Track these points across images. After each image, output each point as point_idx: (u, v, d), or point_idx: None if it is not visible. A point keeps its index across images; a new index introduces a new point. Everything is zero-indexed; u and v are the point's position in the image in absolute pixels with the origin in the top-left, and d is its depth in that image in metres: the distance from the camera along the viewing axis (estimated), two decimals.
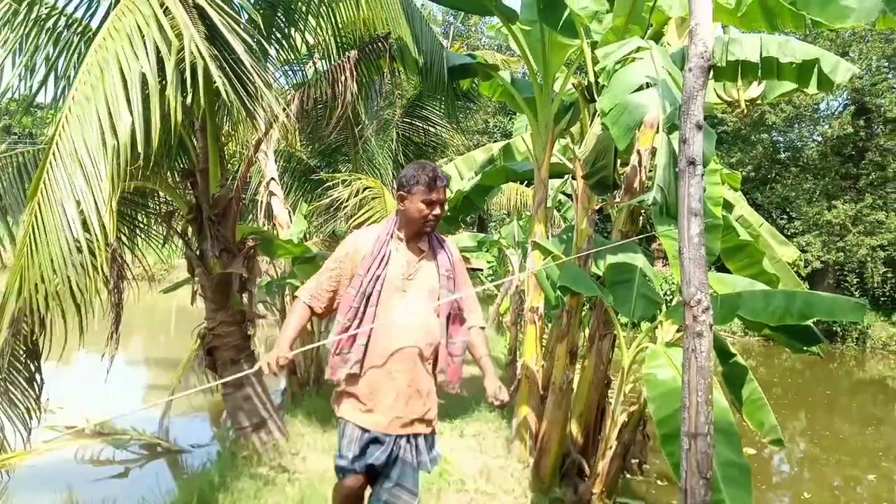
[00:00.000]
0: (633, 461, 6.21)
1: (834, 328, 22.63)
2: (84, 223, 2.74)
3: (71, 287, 2.98)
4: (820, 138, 23.59)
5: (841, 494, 8.40)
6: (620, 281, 5.26)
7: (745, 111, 6.33)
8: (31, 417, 6.15)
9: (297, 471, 4.72)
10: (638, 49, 3.77)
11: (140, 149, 2.99)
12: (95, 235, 2.73)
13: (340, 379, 2.78)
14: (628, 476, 6.76)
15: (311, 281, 2.88)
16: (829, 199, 21.78)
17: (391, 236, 2.84)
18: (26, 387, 6.18)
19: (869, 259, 21.25)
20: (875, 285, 22.81)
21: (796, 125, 22.62)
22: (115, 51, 2.86)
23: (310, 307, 2.85)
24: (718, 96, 6.43)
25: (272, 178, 7.80)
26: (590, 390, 5.77)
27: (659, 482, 7.54)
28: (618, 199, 5.38)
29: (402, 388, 2.75)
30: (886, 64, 21.70)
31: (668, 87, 3.43)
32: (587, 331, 5.74)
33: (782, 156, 23.60)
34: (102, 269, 2.89)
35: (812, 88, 5.15)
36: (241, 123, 4.82)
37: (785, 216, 23.36)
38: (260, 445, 4.86)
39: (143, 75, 3.03)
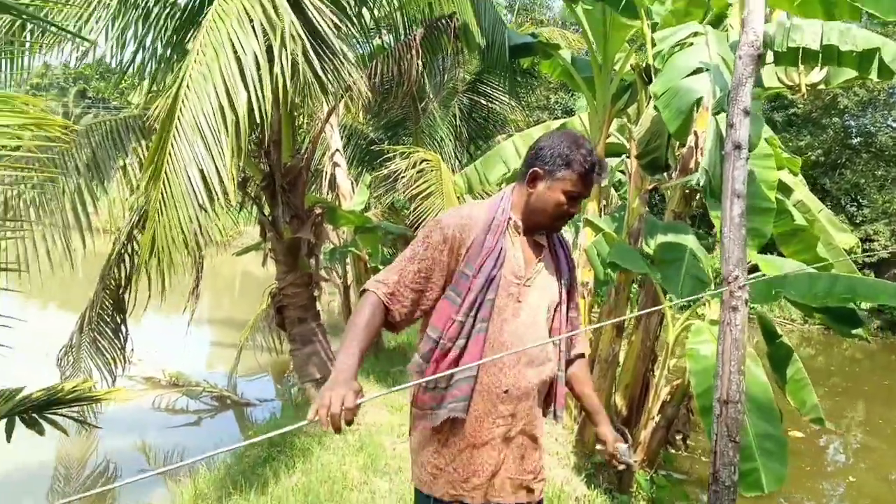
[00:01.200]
0: (676, 435, 6.43)
1: None
2: (207, 188, 3.11)
3: (189, 243, 3.34)
4: (895, 124, 22.69)
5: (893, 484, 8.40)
6: (670, 260, 5.43)
7: (806, 95, 6.36)
8: (116, 366, 6.76)
9: (358, 422, 5.12)
10: (694, 34, 3.91)
11: (257, 120, 3.39)
12: (218, 199, 3.09)
13: (431, 426, 1.95)
14: (671, 450, 6.96)
15: (389, 272, 1.95)
16: None
17: (509, 224, 2.00)
18: (112, 337, 6.78)
19: None
20: None
21: (870, 110, 21.79)
22: (226, 32, 3.22)
23: (386, 308, 1.92)
24: (780, 80, 6.44)
25: (337, 150, 8.17)
26: (636, 364, 5.99)
27: (703, 458, 7.70)
28: (671, 181, 5.53)
29: (518, 440, 1.99)
30: None
31: (720, 72, 3.58)
32: (636, 308, 5.92)
33: (854, 141, 22.80)
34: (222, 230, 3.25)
35: (873, 76, 5.16)
36: (311, 96, 5.15)
37: (854, 203, 22.65)
38: None
39: (255, 55, 3.39)
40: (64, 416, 3.11)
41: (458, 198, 7.77)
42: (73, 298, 10.84)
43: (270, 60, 3.52)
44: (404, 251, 1.98)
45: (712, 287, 5.50)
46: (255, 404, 7.80)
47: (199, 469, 4.46)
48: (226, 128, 3.11)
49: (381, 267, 7.67)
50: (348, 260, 8.19)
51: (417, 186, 7.48)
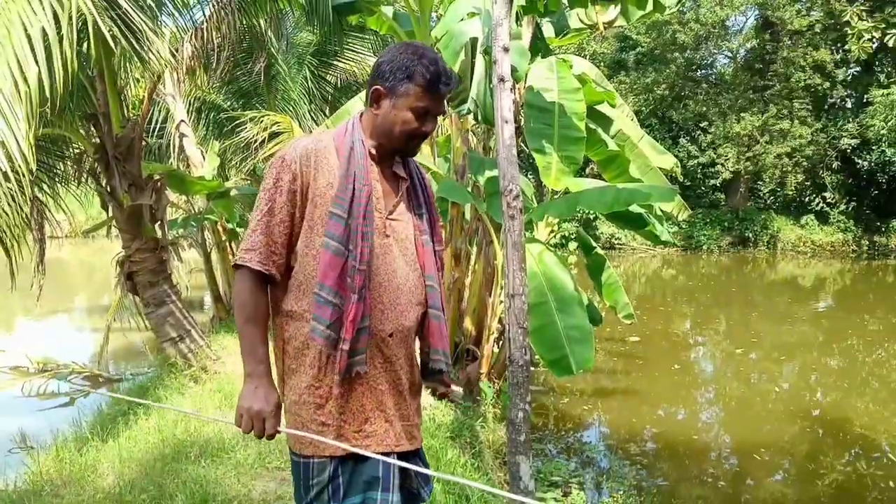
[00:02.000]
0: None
1: (746, 234, 24.33)
2: (8, 157, 3.31)
3: (5, 218, 3.53)
4: (730, 54, 24.67)
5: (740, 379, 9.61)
6: (495, 191, 6.01)
7: (604, 32, 7.07)
8: None
9: (217, 371, 5.47)
10: None
11: (47, 93, 3.58)
12: (18, 165, 3.30)
13: (331, 387, 1.75)
14: None
15: (253, 234, 1.75)
16: (740, 113, 23.01)
17: (366, 151, 1.82)
18: None
19: (775, 166, 22.69)
20: (782, 191, 24.45)
21: (706, 43, 23.57)
22: (17, 12, 3.41)
23: (267, 275, 1.76)
24: (581, 20, 7.13)
25: (182, 121, 8.23)
26: (480, 290, 6.63)
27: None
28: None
29: (404, 384, 1.87)
30: None
31: (489, 16, 4.09)
32: (470, 237, 6.52)
33: (695, 73, 24.62)
34: (28, 197, 3.45)
35: (649, 8, 5.89)
36: (136, 69, 5.30)
37: (700, 131, 24.58)
38: (185, 353, 5.55)
39: (44, 30, 3.58)
40: None
41: None
42: None
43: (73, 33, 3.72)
44: (258, 204, 1.77)
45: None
46: (129, 378, 7.90)
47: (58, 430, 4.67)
48: (20, 98, 3.31)
49: (239, 230, 7.88)
50: (207, 226, 8.33)
51: (269, 150, 7.73)
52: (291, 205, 1.76)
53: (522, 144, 6.99)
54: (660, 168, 8.12)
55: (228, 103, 10.74)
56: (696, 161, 24.24)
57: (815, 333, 12.10)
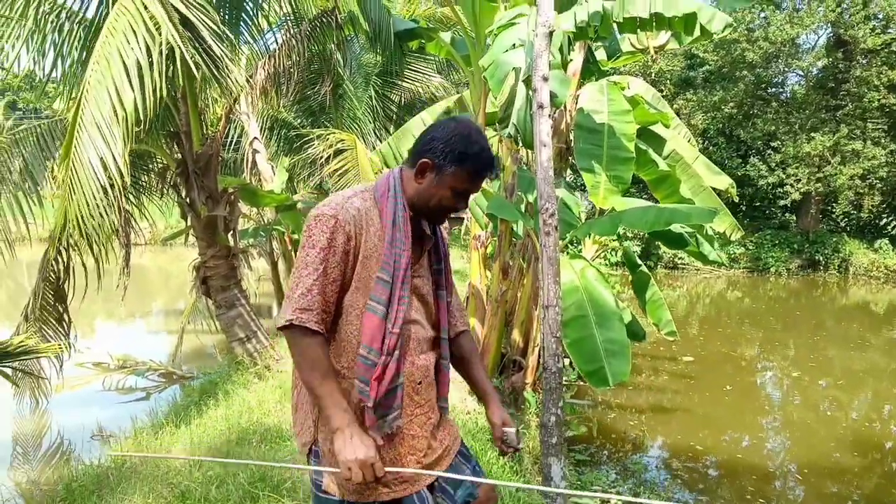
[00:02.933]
0: (565, 360, 7.38)
1: (816, 257, 23.63)
2: (106, 171, 3.84)
3: (97, 223, 4.05)
4: (801, 73, 24.14)
5: (811, 410, 9.53)
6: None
7: (656, 56, 7.28)
8: (62, 351, 7.37)
9: (280, 369, 5.93)
10: (518, 15, 4.73)
11: (140, 115, 4.11)
12: (115, 179, 3.82)
13: (374, 439, 1.81)
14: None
15: (308, 293, 1.75)
16: (810, 132, 22.48)
17: (407, 216, 1.87)
18: (56, 325, 7.39)
19: (848, 188, 22.03)
20: (856, 213, 23.70)
21: (774, 61, 23.15)
22: (116, 46, 3.96)
23: (322, 335, 1.79)
24: (632, 45, 7.36)
25: (255, 138, 8.83)
26: (528, 303, 6.90)
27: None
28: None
29: (433, 422, 1.99)
30: None
31: (532, 47, 4.40)
32: (518, 253, 6.80)
33: (764, 92, 24.18)
34: (122, 207, 3.97)
35: (696, 34, 6.09)
36: (205, 92, 5.85)
37: (771, 150, 24.09)
38: (252, 352, 6.04)
39: (138, 62, 4.11)
40: (15, 368, 3.81)
41: (374, 173, 8.54)
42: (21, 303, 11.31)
43: (162, 63, 4.25)
44: (308, 260, 1.75)
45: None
46: (199, 377, 8.49)
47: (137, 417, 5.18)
48: (117, 121, 3.82)
49: None
50: (275, 236, 8.88)
51: (335, 165, 8.24)
52: (344, 265, 1.79)
53: (573, 164, 7.26)
54: (714, 188, 8.24)
55: (298, 121, 11.39)
56: (765, 181, 23.75)
57: (888, 361, 11.71)
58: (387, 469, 1.76)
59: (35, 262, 6.13)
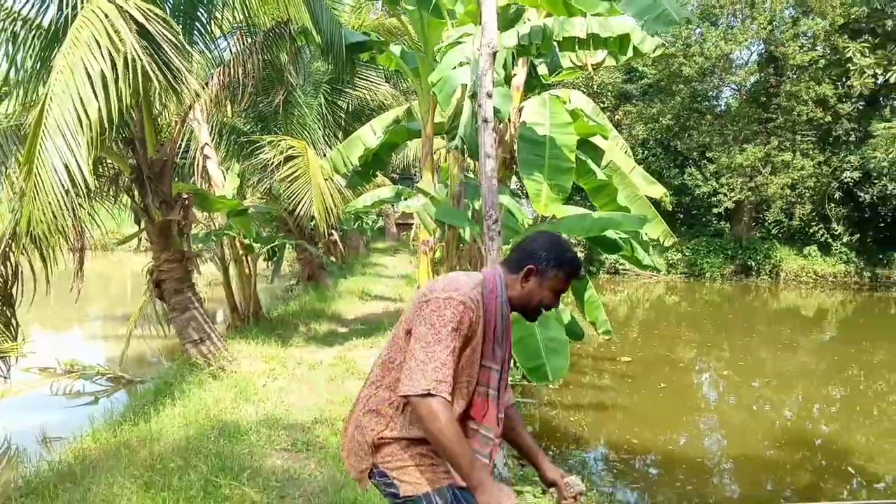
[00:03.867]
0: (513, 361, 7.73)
1: (749, 263, 24.76)
2: (69, 176, 3.99)
3: (52, 226, 4.18)
4: (734, 87, 25.30)
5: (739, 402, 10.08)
6: None
7: (593, 73, 7.72)
8: (9, 356, 7.34)
9: (233, 370, 6.10)
10: (464, 35, 5.05)
11: (105, 124, 4.27)
12: (80, 185, 3.96)
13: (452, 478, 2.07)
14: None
15: (441, 366, 1.93)
16: (743, 144, 23.58)
17: (509, 310, 2.17)
18: (3, 329, 7.35)
19: (779, 197, 23.18)
20: (786, 221, 24.93)
21: (709, 76, 24.19)
22: (80, 56, 4.10)
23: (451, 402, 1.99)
24: (571, 62, 7.78)
25: (206, 144, 8.93)
26: None
27: (550, 386, 9.13)
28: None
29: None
30: (792, 12, 23.38)
31: (477, 65, 4.73)
32: (464, 258, 7.12)
33: (700, 105, 25.22)
34: (82, 212, 4.09)
35: (629, 54, 6.53)
36: (168, 99, 5.98)
37: (706, 160, 25.14)
38: (205, 353, 6.19)
39: (103, 73, 4.27)
40: None
41: (325, 179, 8.75)
42: None
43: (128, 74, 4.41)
44: (440, 337, 1.94)
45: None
46: (148, 380, 8.52)
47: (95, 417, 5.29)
48: (81, 129, 3.98)
49: (255, 245, 8.53)
50: (226, 243, 8.99)
51: (285, 172, 8.41)
52: (463, 346, 2.00)
53: (517, 173, 7.62)
54: (649, 197, 8.72)
55: (248, 127, 11.48)
56: (700, 190, 24.77)
57: (816, 362, 12.37)
58: None
59: None
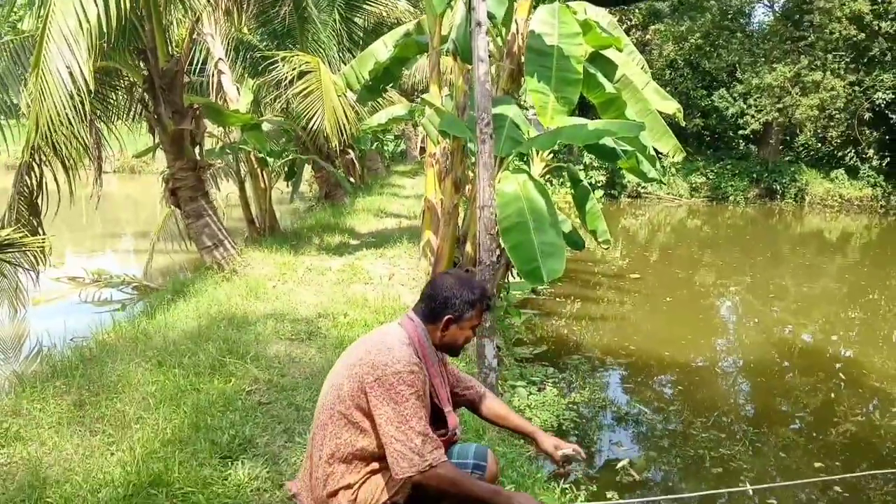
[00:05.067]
0: (513, 267, 7.95)
1: (774, 187, 24.43)
2: (72, 79, 4.19)
3: (66, 132, 4.42)
4: (766, 3, 24.40)
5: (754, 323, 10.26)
6: (495, 127, 6.72)
7: None
8: (37, 264, 7.75)
9: (245, 274, 6.43)
10: None
11: (104, 28, 4.43)
12: (81, 87, 4.17)
13: None
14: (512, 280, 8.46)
15: (426, 439, 2.14)
16: (773, 64, 22.89)
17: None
18: (30, 236, 7.72)
19: (807, 119, 22.64)
20: (815, 145, 24.42)
21: None
22: None
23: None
24: None
25: (220, 59, 9.04)
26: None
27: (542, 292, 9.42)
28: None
29: None
30: None
31: None
32: (471, 167, 7.25)
33: (730, 23, 24.40)
34: (87, 110, 4.31)
35: None
36: (175, 7, 6.09)
37: (734, 81, 24.51)
38: (219, 258, 6.52)
39: None
40: (2, 260, 4.22)
41: (338, 95, 8.84)
42: None
43: None
44: (407, 412, 2.11)
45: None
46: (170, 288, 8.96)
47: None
48: (82, 32, 4.16)
49: (268, 159, 8.74)
50: (242, 158, 9.21)
51: (298, 87, 8.52)
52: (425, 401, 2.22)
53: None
54: (661, 112, 8.69)
55: (264, 44, 11.52)
56: (727, 111, 24.26)
57: (838, 286, 12.29)
58: None
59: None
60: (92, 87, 4.30)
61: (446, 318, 2.27)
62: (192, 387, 3.66)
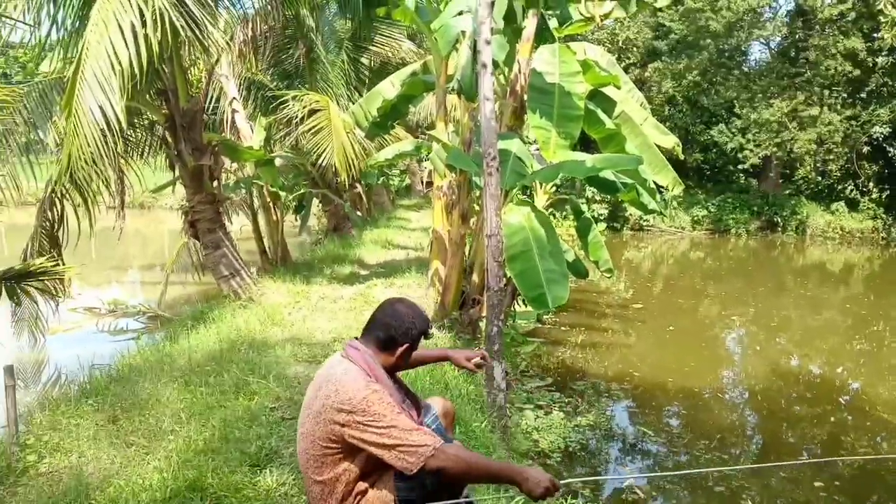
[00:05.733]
0: (519, 296, 8.19)
1: (775, 219, 24.73)
2: (104, 118, 4.50)
3: (91, 170, 4.72)
4: (762, 41, 24.99)
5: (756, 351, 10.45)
6: (500, 161, 7.03)
7: (601, 24, 7.98)
8: (57, 295, 8.01)
9: (261, 302, 6.68)
10: None
11: (136, 71, 4.76)
12: (113, 125, 4.48)
13: None
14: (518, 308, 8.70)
15: (417, 434, 2.27)
16: (770, 99, 23.38)
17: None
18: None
19: (805, 152, 23.04)
20: (814, 177, 24.78)
21: (736, 31, 23.90)
22: (112, 10, 4.57)
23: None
24: (580, 13, 8.05)
25: (234, 98, 9.43)
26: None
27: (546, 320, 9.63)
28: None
29: None
30: None
31: (477, 14, 5.09)
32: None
33: (727, 61, 24.97)
34: (116, 150, 4.62)
35: (633, 8, 6.81)
36: (190, 52, 6.45)
37: (733, 116, 24.99)
38: (236, 287, 6.78)
39: (132, 24, 4.75)
40: (35, 287, 4.49)
41: (346, 133, 9.20)
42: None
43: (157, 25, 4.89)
44: (390, 422, 2.24)
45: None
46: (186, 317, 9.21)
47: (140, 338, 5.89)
48: (114, 75, 4.49)
49: (281, 192, 9.07)
50: (255, 193, 9.55)
51: (308, 125, 8.88)
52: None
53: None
54: (660, 146, 9.01)
55: (274, 83, 11.95)
56: (726, 146, 24.71)
57: (841, 317, 12.41)
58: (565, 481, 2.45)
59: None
60: (125, 125, 4.60)
61: (405, 347, 2.46)
62: (219, 403, 3.89)
